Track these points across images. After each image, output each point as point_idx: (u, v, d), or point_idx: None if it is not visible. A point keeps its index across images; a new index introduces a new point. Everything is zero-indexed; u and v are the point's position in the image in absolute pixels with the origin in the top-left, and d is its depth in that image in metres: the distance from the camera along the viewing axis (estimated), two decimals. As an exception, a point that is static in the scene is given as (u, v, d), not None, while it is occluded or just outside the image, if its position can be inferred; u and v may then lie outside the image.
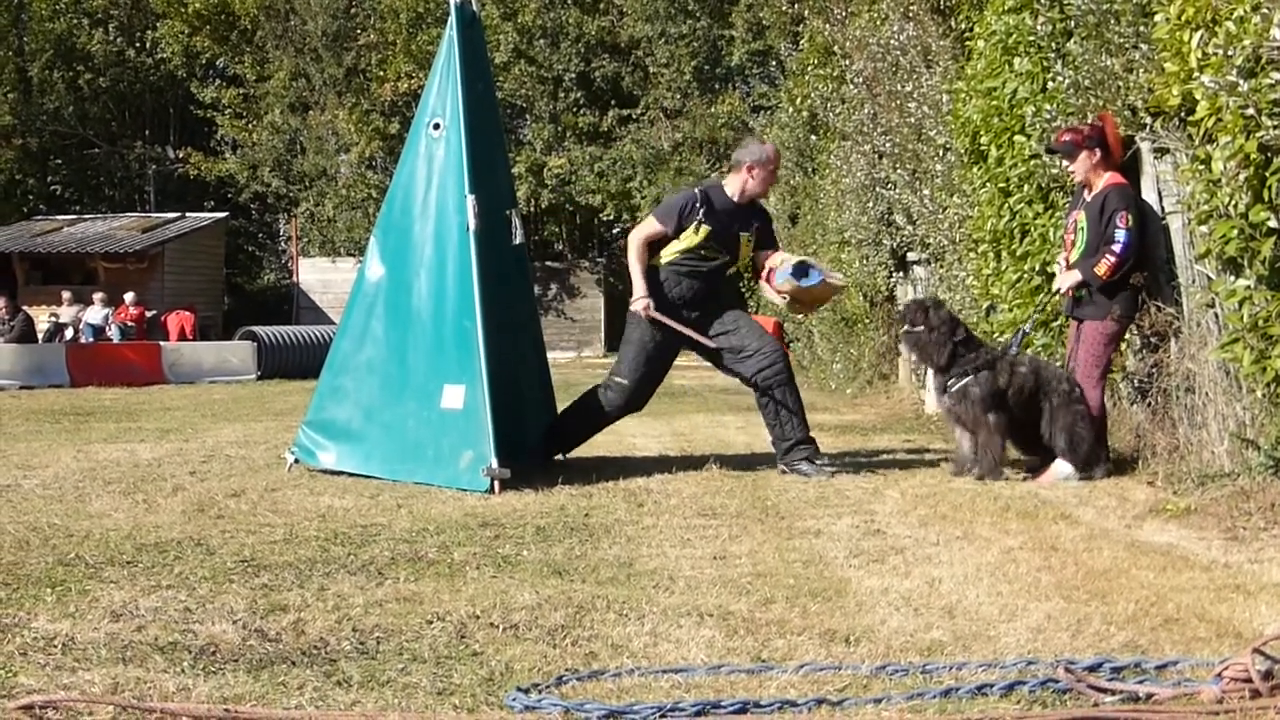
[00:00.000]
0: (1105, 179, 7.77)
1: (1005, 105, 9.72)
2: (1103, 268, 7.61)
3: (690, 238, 8.11)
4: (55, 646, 3.90)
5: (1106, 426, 8.02)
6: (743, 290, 20.05)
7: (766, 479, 7.89)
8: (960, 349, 7.85)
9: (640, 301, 8.13)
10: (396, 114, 37.28)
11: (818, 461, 8.13)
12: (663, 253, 8.18)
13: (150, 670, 3.65)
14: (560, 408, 8.85)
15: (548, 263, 36.94)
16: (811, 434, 8.29)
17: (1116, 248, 7.57)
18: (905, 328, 8.19)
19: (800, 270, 8.17)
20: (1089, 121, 8.10)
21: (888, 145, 14.37)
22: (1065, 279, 7.89)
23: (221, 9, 40.92)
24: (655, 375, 8.41)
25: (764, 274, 8.39)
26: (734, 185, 8.28)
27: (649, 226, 8.25)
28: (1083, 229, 7.81)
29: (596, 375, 23.45)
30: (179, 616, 4.28)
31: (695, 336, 8.19)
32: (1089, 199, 7.82)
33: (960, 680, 3.56)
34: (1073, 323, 8.06)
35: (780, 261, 8.27)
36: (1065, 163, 8.03)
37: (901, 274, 15.45)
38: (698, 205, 8.11)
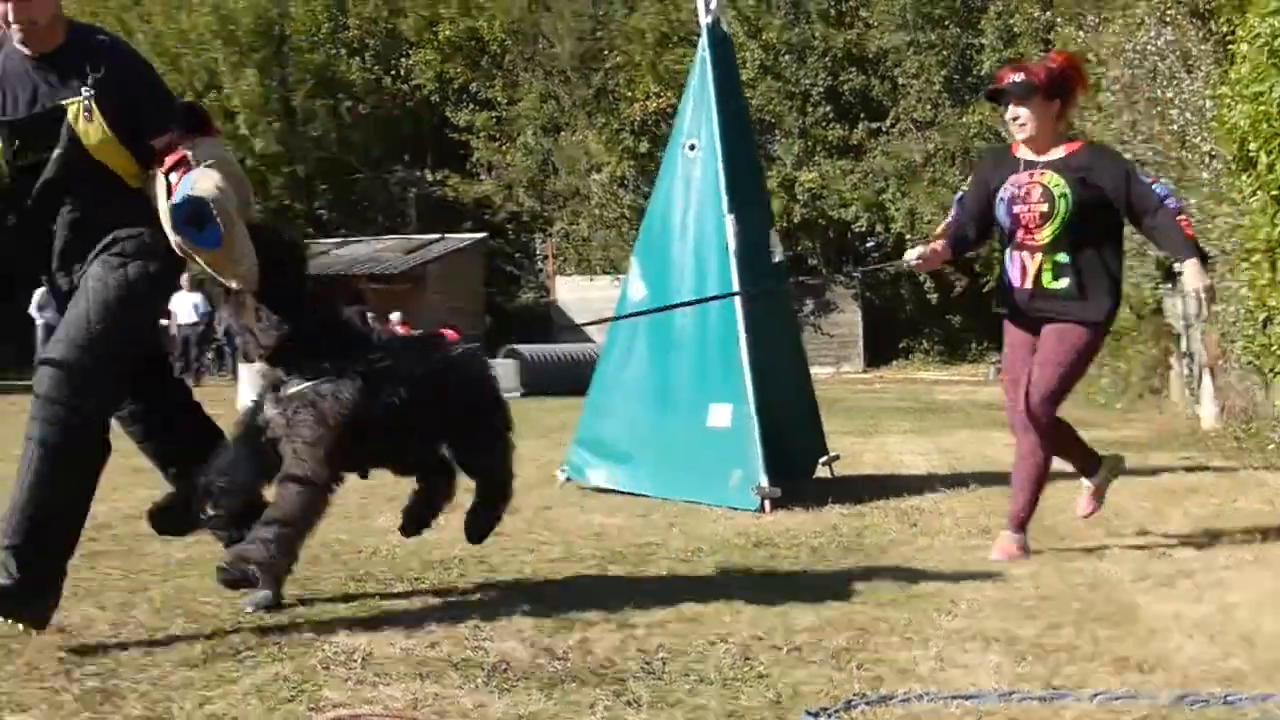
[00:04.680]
0: None
1: (1274, 110, 9.28)
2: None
3: None
4: (355, 660, 4.02)
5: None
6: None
7: (1041, 498, 7.68)
8: None
9: None
10: (646, 133, 37.67)
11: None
12: None
13: (446, 686, 3.74)
14: (825, 425, 8.79)
15: (802, 278, 36.75)
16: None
17: None
18: None
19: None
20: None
21: (1149, 154, 13.93)
22: None
23: (471, 35, 42.05)
24: None
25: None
26: None
27: None
28: None
29: (856, 390, 23.21)
30: (469, 633, 4.38)
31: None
32: None
33: (1266, 713, 3.40)
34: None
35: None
36: None
37: (1169, 285, 14.94)
38: None
